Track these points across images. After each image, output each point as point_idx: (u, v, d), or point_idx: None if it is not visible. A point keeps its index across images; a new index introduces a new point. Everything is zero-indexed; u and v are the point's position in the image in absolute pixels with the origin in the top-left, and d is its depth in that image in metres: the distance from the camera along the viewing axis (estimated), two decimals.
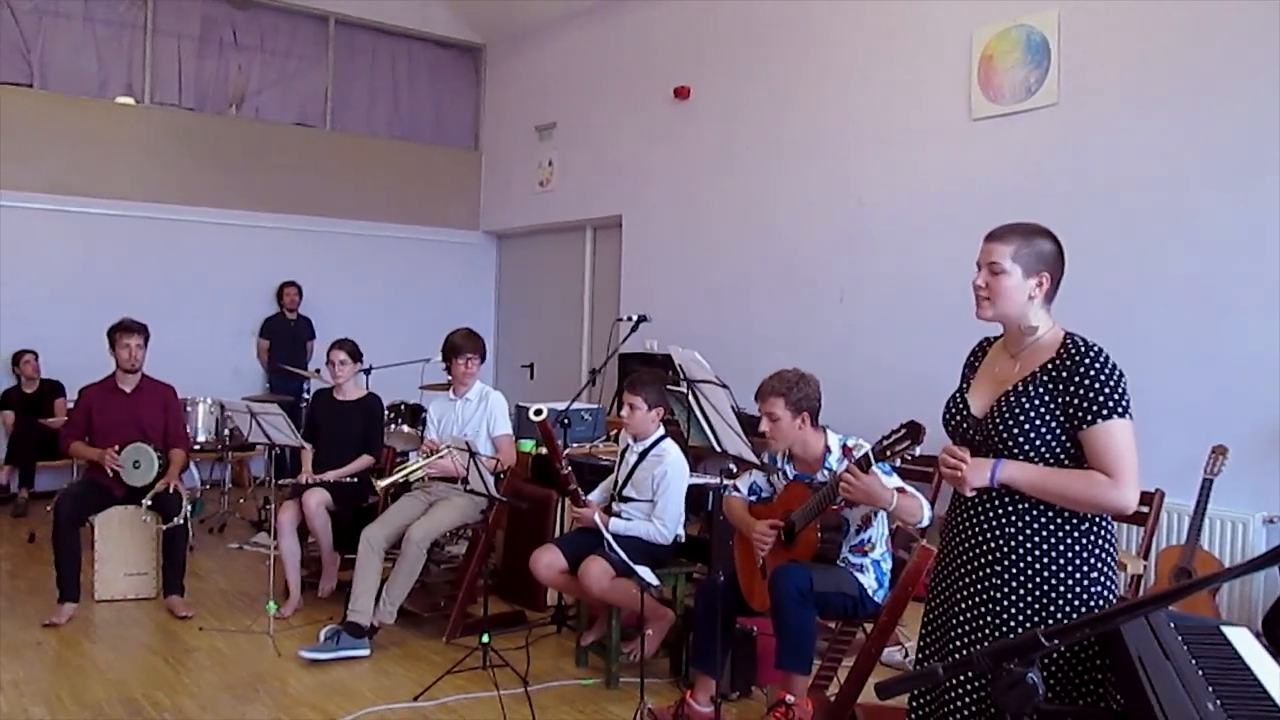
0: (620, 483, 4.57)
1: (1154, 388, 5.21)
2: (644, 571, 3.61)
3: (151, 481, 5.30)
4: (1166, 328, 5.18)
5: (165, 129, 9.02)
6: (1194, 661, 1.95)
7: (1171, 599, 1.93)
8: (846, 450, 3.75)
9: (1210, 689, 1.83)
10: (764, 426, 3.78)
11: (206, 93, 9.36)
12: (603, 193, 8.97)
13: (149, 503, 5.27)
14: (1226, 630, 2.16)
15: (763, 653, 4.18)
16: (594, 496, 4.69)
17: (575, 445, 5.80)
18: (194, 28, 9.22)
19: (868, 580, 3.72)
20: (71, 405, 6.00)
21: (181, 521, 5.30)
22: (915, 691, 2.59)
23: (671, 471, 4.41)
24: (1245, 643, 2.09)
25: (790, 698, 3.64)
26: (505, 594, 5.48)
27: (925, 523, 3.58)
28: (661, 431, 4.53)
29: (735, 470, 4.10)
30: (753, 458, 3.72)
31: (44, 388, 8.09)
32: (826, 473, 3.75)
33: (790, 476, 3.85)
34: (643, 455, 4.49)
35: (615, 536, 3.94)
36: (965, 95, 6.09)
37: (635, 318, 5.74)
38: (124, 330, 5.40)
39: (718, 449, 3.78)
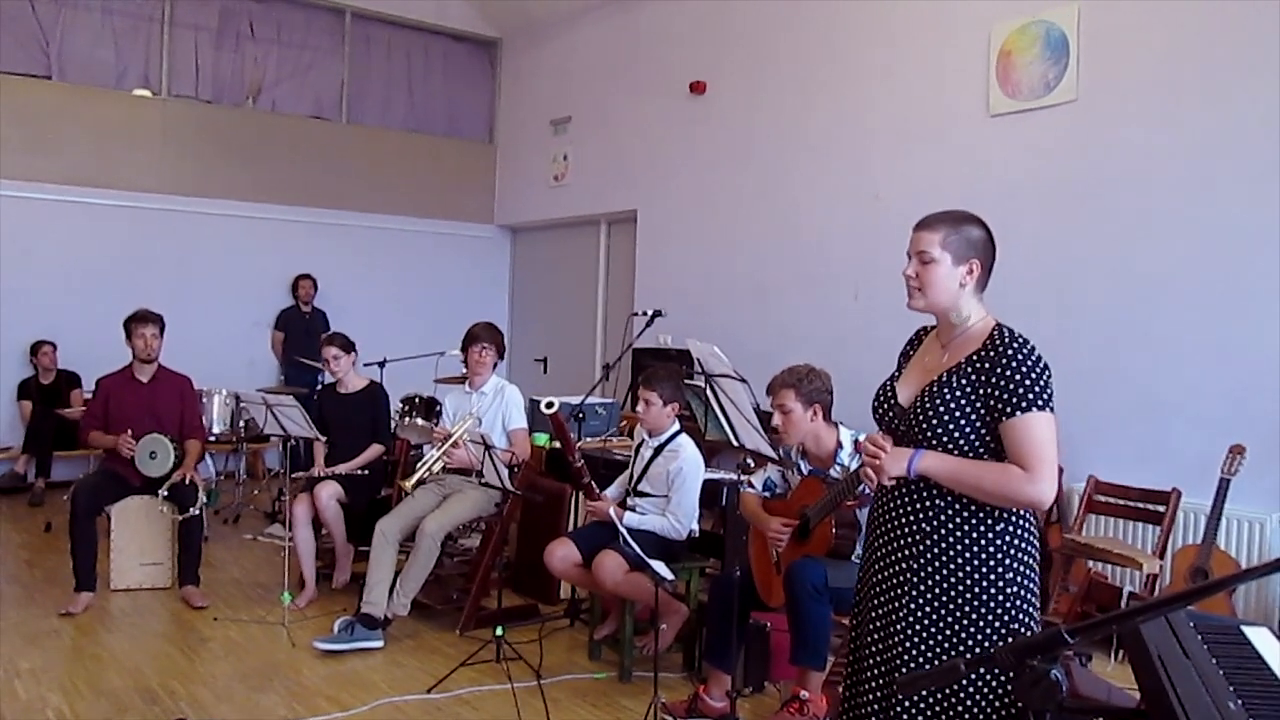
0: (635, 477, 4.57)
1: (1172, 386, 5.19)
2: (658, 566, 3.61)
3: (167, 472, 5.33)
4: (1184, 326, 5.15)
5: (182, 121, 9.05)
6: (1214, 661, 1.94)
7: (1193, 598, 1.92)
8: (859, 446, 3.74)
9: (1231, 689, 1.82)
10: (776, 420, 3.78)
11: (223, 85, 9.39)
12: (618, 187, 8.97)
13: (165, 493, 5.30)
14: (1247, 630, 2.14)
15: (776, 648, 4.18)
16: (610, 492, 4.69)
17: (589, 439, 5.80)
18: (211, 20, 9.25)
19: None
20: (89, 395, 6.03)
21: (197, 512, 5.33)
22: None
23: (687, 467, 4.40)
24: (1266, 642, 2.08)
25: (805, 693, 3.64)
26: (519, 587, 5.49)
27: None
28: (677, 427, 4.53)
29: (751, 466, 4.09)
30: (770, 453, 3.71)
31: (61, 378, 8.15)
32: (839, 468, 3.74)
33: (805, 472, 3.85)
34: (658, 450, 4.49)
35: (630, 530, 3.94)
36: (984, 91, 6.06)
37: (650, 313, 5.74)
38: (140, 320, 5.43)
39: (735, 444, 3.77)
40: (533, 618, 5.17)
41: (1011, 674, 1.60)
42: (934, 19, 6.39)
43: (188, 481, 5.34)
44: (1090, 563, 4.98)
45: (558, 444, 5.22)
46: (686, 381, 4.75)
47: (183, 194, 8.94)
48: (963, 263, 2.35)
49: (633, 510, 4.45)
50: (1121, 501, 5.13)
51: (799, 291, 7.25)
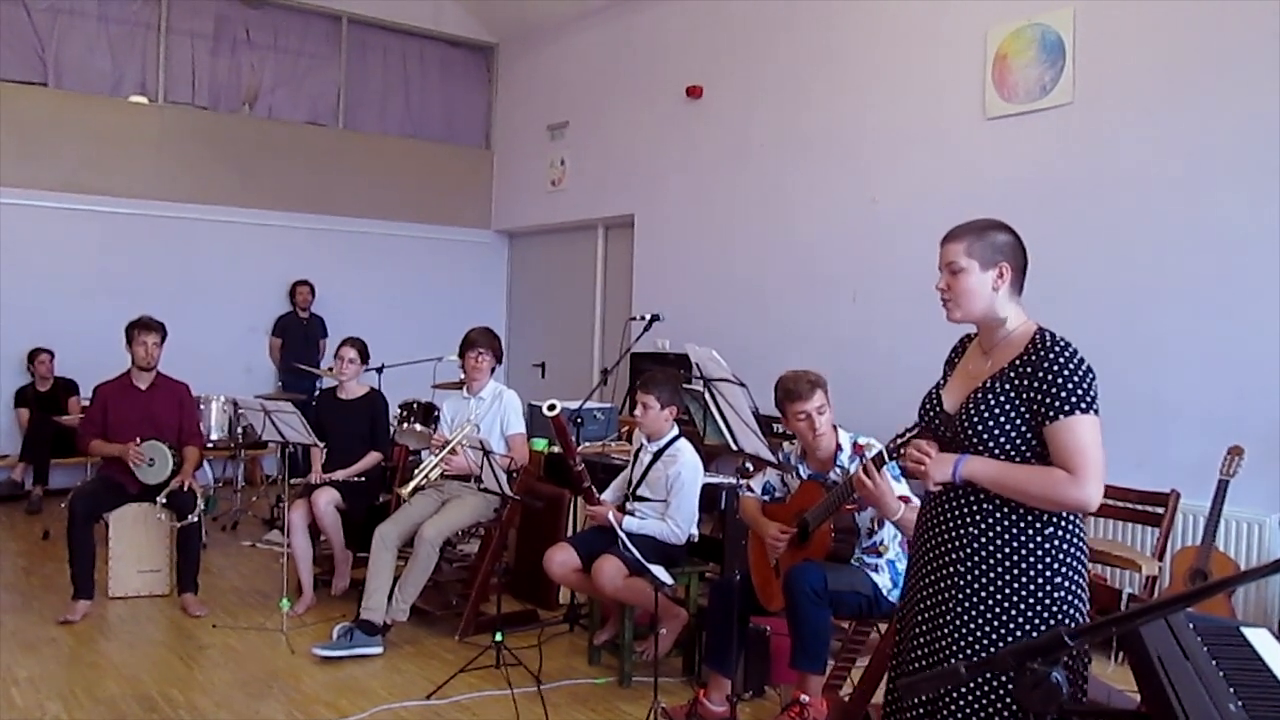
0: (634, 482, 4.56)
1: (1170, 388, 5.19)
2: (658, 570, 3.61)
3: (166, 479, 5.32)
4: (1182, 328, 5.15)
5: (178, 128, 9.05)
6: (1214, 663, 1.94)
7: (1193, 600, 1.92)
8: (858, 448, 3.75)
9: (1231, 690, 1.82)
10: (799, 426, 3.78)
11: (220, 92, 9.39)
12: (615, 192, 8.97)
13: (163, 500, 5.29)
14: (1246, 631, 2.14)
15: (776, 652, 4.17)
16: (607, 495, 4.68)
17: (588, 444, 5.79)
18: (207, 27, 9.25)
19: (882, 580, 3.72)
20: (86, 403, 6.02)
21: (195, 519, 5.33)
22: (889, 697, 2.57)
23: (686, 471, 4.40)
24: (1266, 644, 2.08)
25: (804, 697, 3.64)
26: (518, 592, 5.48)
27: None
28: (676, 431, 4.53)
29: (750, 470, 4.09)
30: (770, 457, 3.71)
31: (58, 386, 8.14)
32: (838, 471, 3.75)
33: (804, 476, 3.85)
34: (657, 455, 4.48)
35: (629, 535, 3.94)
36: (979, 94, 6.07)
37: (648, 317, 5.73)
38: (143, 328, 5.43)
39: (734, 448, 3.77)
40: (532, 623, 5.17)
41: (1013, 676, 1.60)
42: (930, 22, 6.40)
43: (186, 488, 5.33)
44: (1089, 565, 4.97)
45: (557, 448, 5.21)
46: (685, 386, 4.75)
47: (179, 200, 8.93)
48: (991, 268, 2.37)
49: (632, 515, 4.44)
50: (1120, 503, 5.11)
51: (796, 295, 7.25)
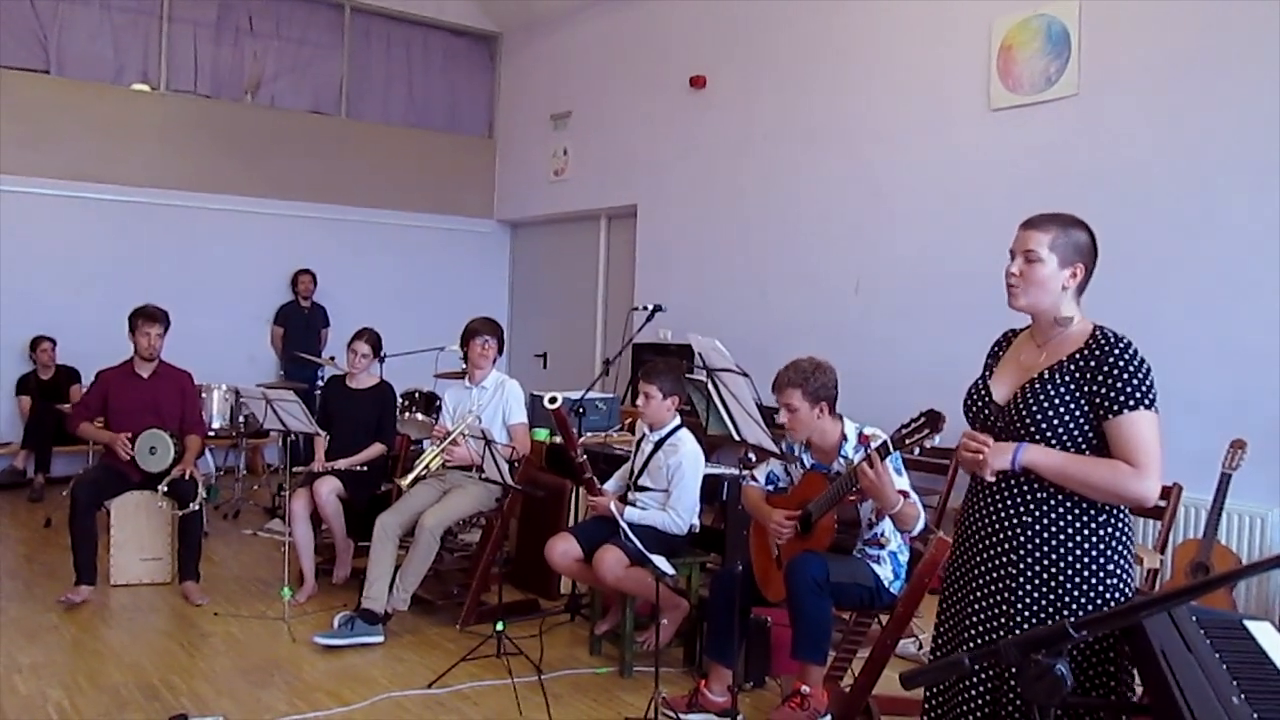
0: (635, 472, 4.56)
1: (1173, 381, 5.15)
2: (659, 560, 3.61)
3: (167, 467, 5.32)
4: (1185, 320, 5.14)
5: (181, 116, 9.03)
6: (1217, 655, 1.94)
7: (1197, 593, 1.92)
8: (863, 438, 3.74)
9: (1234, 682, 1.82)
10: (782, 418, 3.77)
11: (222, 80, 9.37)
12: (618, 182, 8.96)
13: (164, 488, 5.29)
14: (1249, 624, 2.14)
15: (777, 643, 4.17)
16: (609, 486, 4.68)
17: (590, 434, 5.79)
18: (210, 15, 9.23)
19: (884, 571, 3.71)
20: (86, 388, 6.02)
21: (196, 507, 5.33)
22: (932, 686, 2.58)
23: (686, 461, 4.39)
24: (1268, 636, 2.08)
25: (805, 688, 3.64)
26: (519, 582, 5.48)
27: (916, 533, 3.61)
28: (677, 421, 4.52)
29: (754, 460, 4.09)
30: (772, 447, 3.71)
31: (60, 374, 8.14)
32: (842, 461, 3.74)
33: (808, 466, 3.84)
34: (658, 445, 4.48)
35: (630, 525, 3.93)
36: (984, 85, 6.05)
37: (650, 307, 5.72)
38: (146, 318, 5.42)
39: (737, 438, 3.77)
40: (533, 613, 5.17)
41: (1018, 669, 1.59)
42: (935, 13, 6.38)
43: (187, 477, 5.33)
44: None
45: (559, 439, 5.21)
46: (688, 376, 4.74)
47: (182, 189, 8.92)
48: (1068, 266, 2.38)
49: (633, 505, 4.44)
50: None
51: (799, 285, 7.24)
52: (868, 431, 3.75)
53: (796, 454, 3.89)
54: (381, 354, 5.86)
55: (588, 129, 9.37)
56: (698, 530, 4.53)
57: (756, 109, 7.62)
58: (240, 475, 7.96)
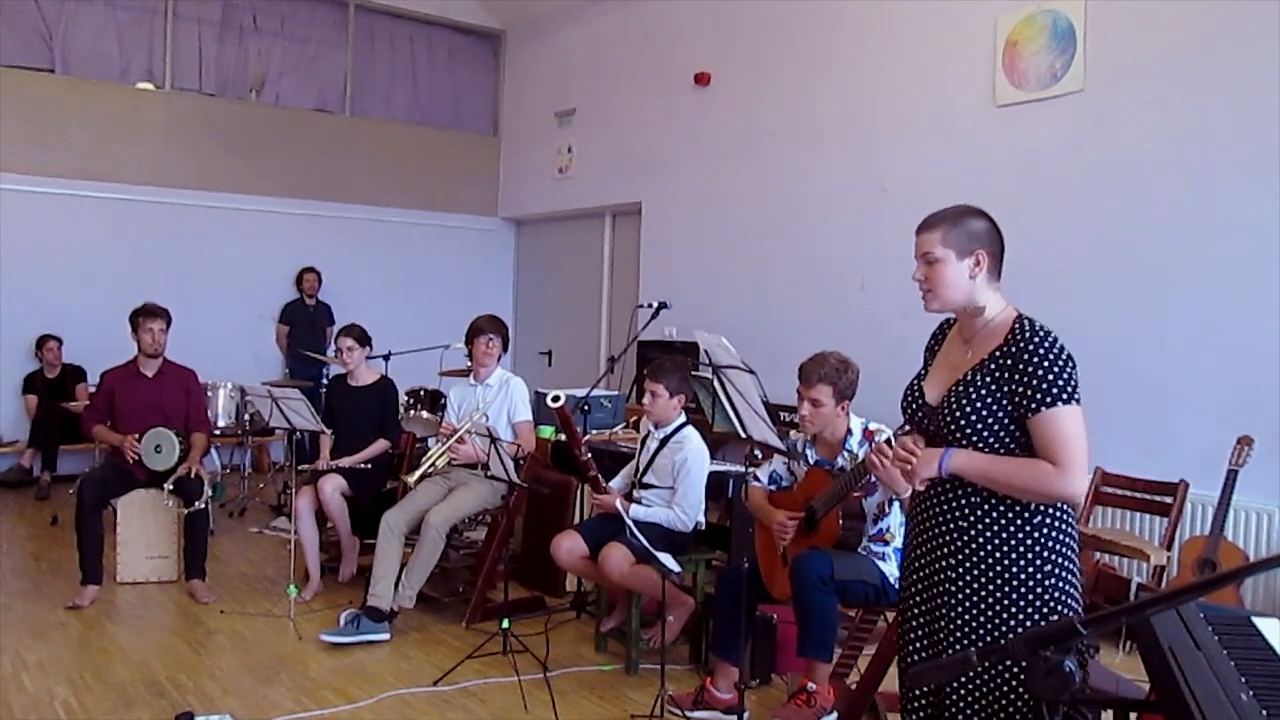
0: (641, 469, 4.56)
1: (1179, 377, 5.17)
2: (665, 558, 3.61)
3: (173, 466, 5.33)
4: (1192, 316, 5.13)
5: (185, 114, 9.04)
6: (1225, 652, 1.93)
7: (1205, 590, 1.91)
8: (868, 433, 3.73)
9: (1243, 679, 1.81)
10: (804, 411, 3.75)
11: (227, 78, 9.38)
12: (622, 179, 8.95)
13: (170, 487, 5.29)
14: (1258, 621, 2.13)
15: (783, 640, 4.17)
16: (615, 483, 4.68)
17: (595, 432, 5.79)
18: (214, 13, 9.24)
19: (889, 568, 3.71)
20: (94, 389, 6.03)
21: (202, 505, 5.33)
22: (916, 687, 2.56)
23: (692, 459, 4.39)
24: (1276, 633, 2.07)
25: (812, 685, 3.64)
26: (524, 580, 5.48)
27: None
28: (683, 418, 4.52)
29: (759, 458, 4.08)
30: (778, 444, 3.70)
31: (66, 372, 8.16)
32: (846, 455, 3.74)
33: (811, 461, 3.84)
34: (664, 442, 4.48)
35: (636, 523, 3.93)
36: (990, 81, 6.04)
37: (655, 304, 5.72)
38: (147, 315, 5.42)
39: (743, 435, 3.76)
40: (539, 610, 5.17)
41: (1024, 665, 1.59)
42: (940, 9, 6.36)
43: (193, 475, 5.34)
44: (1098, 554, 4.97)
45: (564, 436, 5.21)
46: (694, 373, 4.73)
47: (187, 188, 8.93)
48: (967, 256, 2.35)
49: (639, 502, 4.44)
50: (1129, 493, 5.12)
51: (805, 283, 7.23)
52: (872, 427, 3.75)
53: (801, 449, 3.89)
54: (379, 351, 5.86)
55: (592, 126, 9.36)
56: (703, 527, 4.53)
57: (761, 106, 7.61)
58: (246, 473, 7.98)
